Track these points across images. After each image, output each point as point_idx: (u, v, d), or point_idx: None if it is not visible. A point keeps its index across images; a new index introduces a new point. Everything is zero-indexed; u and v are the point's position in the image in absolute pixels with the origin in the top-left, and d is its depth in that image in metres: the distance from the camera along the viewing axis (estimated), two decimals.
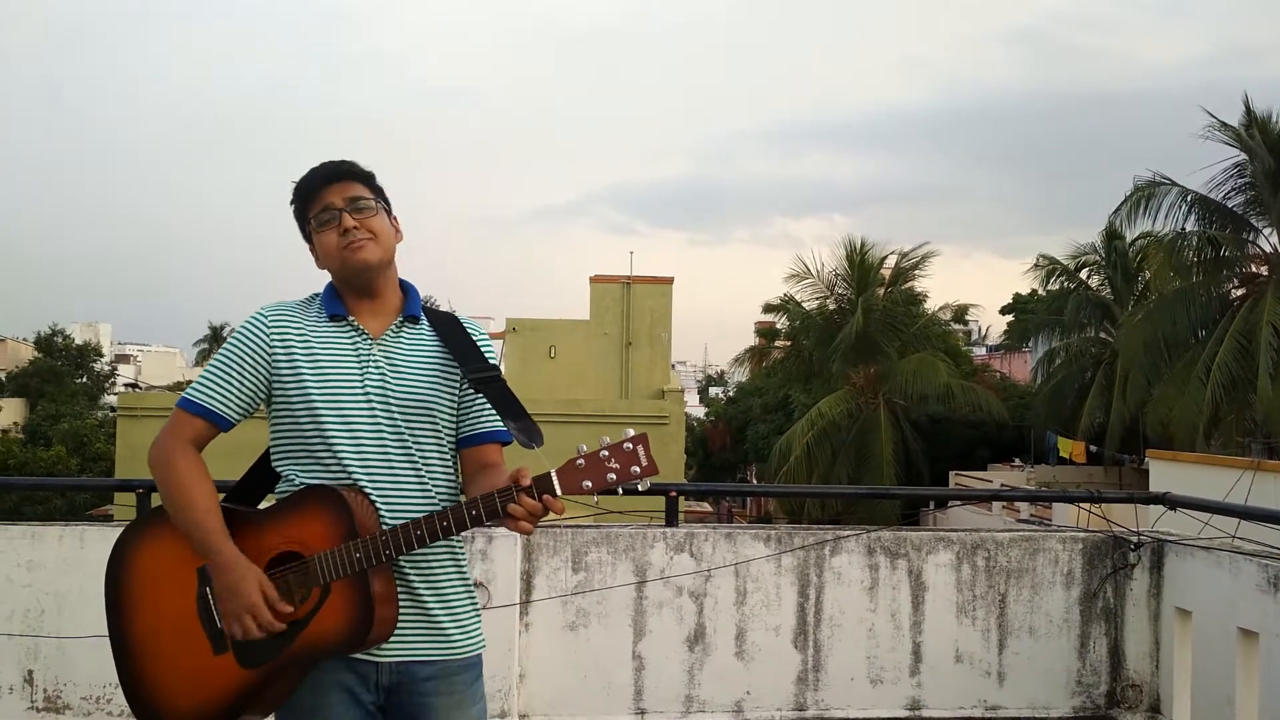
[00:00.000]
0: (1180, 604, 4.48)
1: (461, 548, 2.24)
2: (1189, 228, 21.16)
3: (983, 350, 42.46)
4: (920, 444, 26.09)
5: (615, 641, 4.45)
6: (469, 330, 2.27)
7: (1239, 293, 21.57)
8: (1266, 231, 20.94)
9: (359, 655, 2.10)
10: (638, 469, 1.99)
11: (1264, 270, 21.13)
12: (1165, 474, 13.91)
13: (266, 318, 2.21)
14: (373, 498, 2.10)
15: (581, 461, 2.00)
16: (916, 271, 27.57)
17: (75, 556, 4.19)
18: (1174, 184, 21.31)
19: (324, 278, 2.28)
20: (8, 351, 47.87)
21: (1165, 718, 4.51)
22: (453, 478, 2.25)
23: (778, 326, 31.99)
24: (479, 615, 2.26)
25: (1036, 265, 28.23)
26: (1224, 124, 20.32)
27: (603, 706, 4.43)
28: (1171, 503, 4.78)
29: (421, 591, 2.15)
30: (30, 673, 4.18)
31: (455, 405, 2.24)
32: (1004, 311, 39.34)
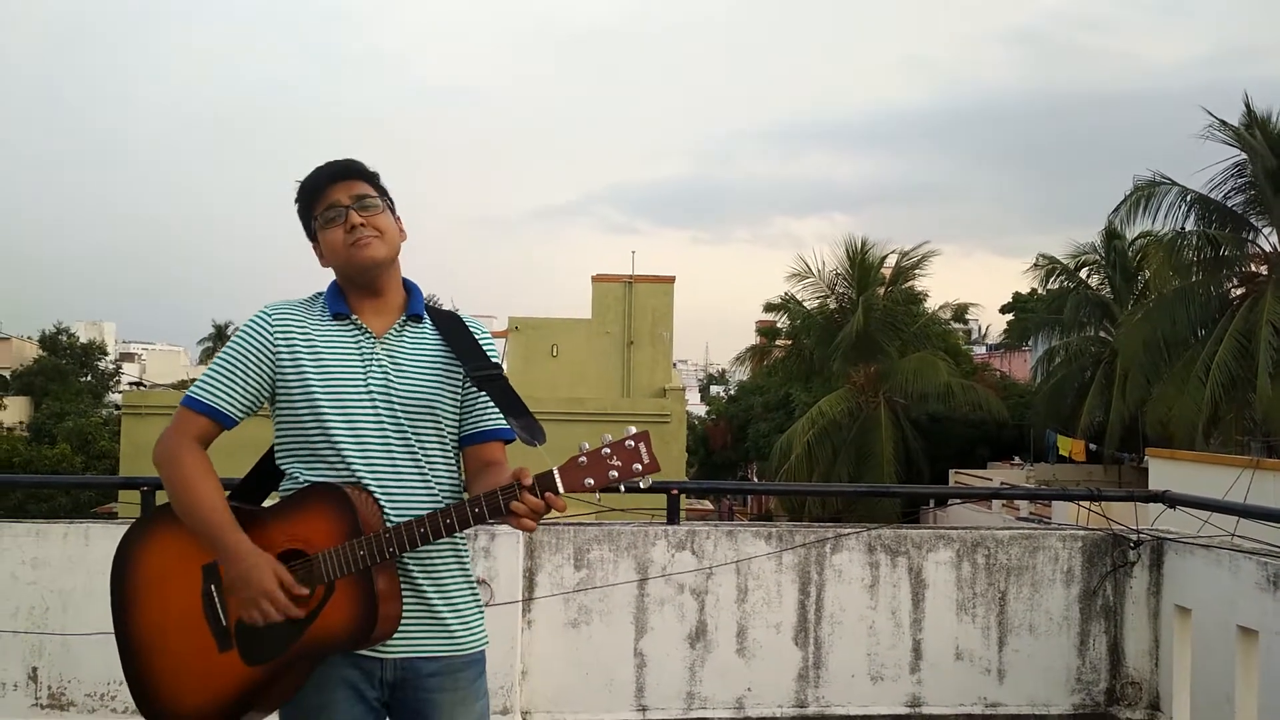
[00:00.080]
0: (1180, 602, 4.49)
1: (465, 545, 2.26)
2: (1189, 227, 21.15)
3: (983, 349, 42.43)
4: (920, 442, 26.10)
5: (617, 639, 4.47)
6: (471, 329, 2.28)
7: (1238, 292, 21.56)
8: (1266, 231, 20.93)
9: (363, 652, 2.11)
10: (640, 466, 2.00)
11: (1263, 270, 21.11)
12: (1165, 472, 13.93)
13: (270, 316, 2.22)
14: (376, 495, 2.12)
15: (584, 459, 2.01)
16: (917, 271, 27.63)
17: (79, 554, 4.20)
18: (1174, 183, 21.30)
19: (326, 277, 2.29)
20: (12, 350, 47.85)
21: (1165, 715, 4.53)
22: (456, 475, 2.26)
23: (779, 325, 32.05)
24: (482, 612, 2.27)
25: (1036, 265, 28.24)
26: (1224, 123, 20.31)
27: (604, 703, 4.44)
28: (1171, 501, 4.79)
29: (425, 588, 2.16)
30: (34, 670, 4.19)
31: (458, 403, 2.25)
32: (1004, 310, 39.34)
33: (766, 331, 34.02)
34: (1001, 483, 22.83)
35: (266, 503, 2.24)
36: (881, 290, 27.09)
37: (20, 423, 39.32)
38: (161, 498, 2.21)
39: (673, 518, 4.66)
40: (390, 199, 2.28)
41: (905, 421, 25.80)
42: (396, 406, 2.16)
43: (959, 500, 21.64)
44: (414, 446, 2.17)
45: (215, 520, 2.09)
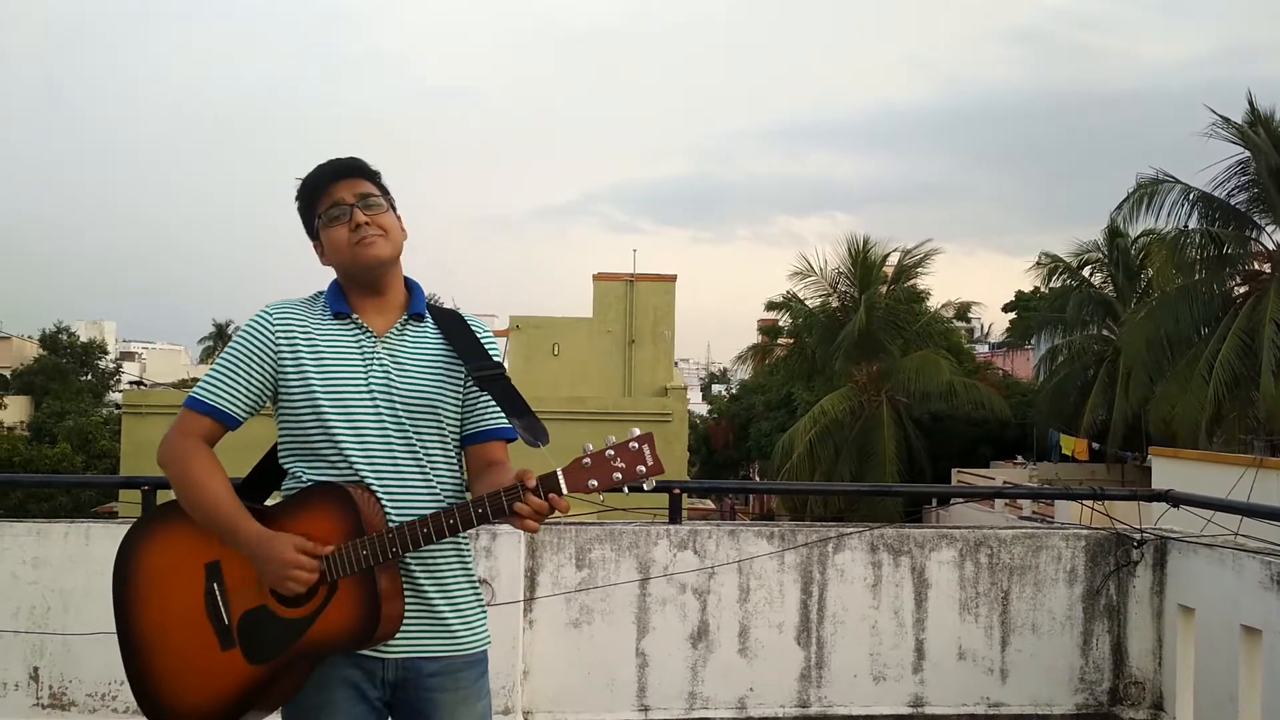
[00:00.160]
0: (1183, 601, 4.48)
1: (467, 545, 2.25)
2: (1191, 225, 21.17)
3: (985, 348, 42.42)
4: (923, 441, 26.12)
5: (619, 638, 4.46)
6: (473, 328, 2.28)
7: (1242, 290, 21.55)
8: (1270, 229, 20.94)
9: (365, 652, 2.10)
10: (643, 468, 1.99)
11: (1267, 268, 21.11)
12: (1168, 471, 13.90)
13: (271, 315, 2.22)
14: (379, 495, 2.11)
15: (588, 460, 2.00)
16: (919, 269, 27.67)
17: (80, 553, 4.19)
18: (1177, 181, 21.31)
19: (326, 276, 2.29)
20: (13, 349, 47.91)
21: (1168, 715, 4.52)
22: (458, 475, 2.26)
23: (781, 324, 32.08)
24: (484, 612, 2.27)
25: (1039, 263, 28.29)
26: (1228, 121, 20.32)
27: (606, 703, 4.43)
28: (1174, 500, 4.78)
29: (427, 588, 2.16)
30: (36, 669, 4.19)
31: (460, 403, 2.25)
32: (1006, 309, 39.31)
33: (768, 330, 34.02)
34: (1004, 482, 22.84)
35: (269, 502, 2.24)
36: (884, 289, 27.11)
37: (21, 422, 39.39)
38: (162, 497, 2.20)
39: (674, 517, 4.66)
40: (392, 198, 2.27)
41: (907, 420, 25.81)
42: (398, 406, 2.16)
43: (961, 499, 21.63)
44: (416, 446, 2.17)
45: (227, 512, 2.08)
